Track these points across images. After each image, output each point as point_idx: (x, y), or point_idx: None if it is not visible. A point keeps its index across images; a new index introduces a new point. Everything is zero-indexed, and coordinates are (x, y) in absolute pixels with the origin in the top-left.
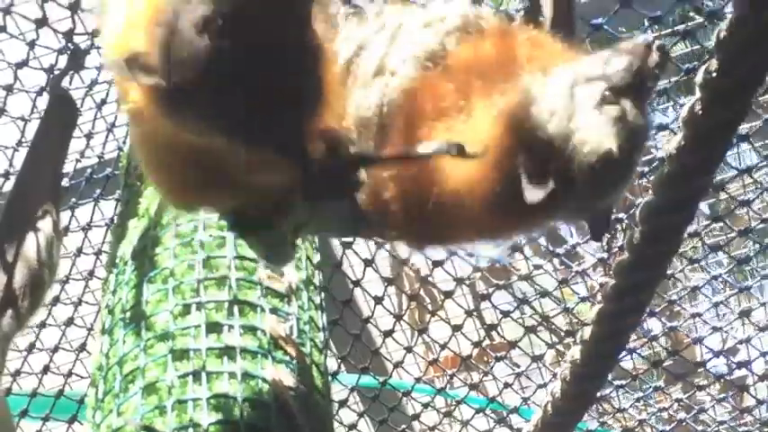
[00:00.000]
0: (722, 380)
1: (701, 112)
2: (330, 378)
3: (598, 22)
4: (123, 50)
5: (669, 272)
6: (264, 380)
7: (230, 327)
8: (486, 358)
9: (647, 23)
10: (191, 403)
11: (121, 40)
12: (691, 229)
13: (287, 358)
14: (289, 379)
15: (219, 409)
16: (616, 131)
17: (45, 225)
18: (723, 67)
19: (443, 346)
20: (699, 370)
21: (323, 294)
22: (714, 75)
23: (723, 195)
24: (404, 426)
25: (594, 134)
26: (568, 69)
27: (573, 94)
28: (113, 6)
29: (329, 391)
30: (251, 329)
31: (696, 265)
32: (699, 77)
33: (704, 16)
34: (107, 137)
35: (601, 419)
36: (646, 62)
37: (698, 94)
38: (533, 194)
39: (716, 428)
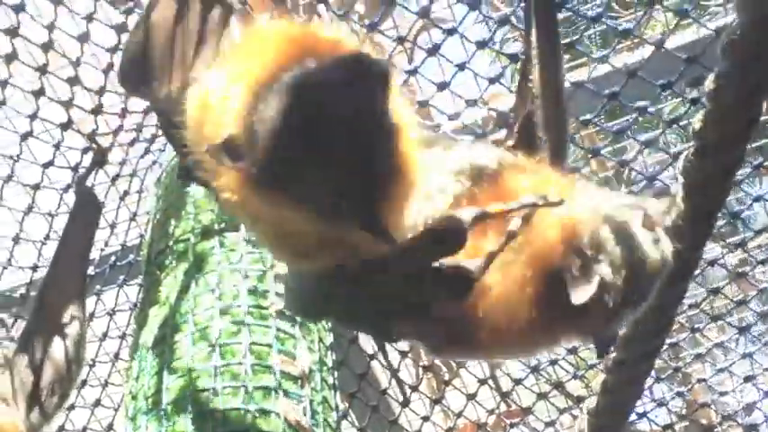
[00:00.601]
0: None
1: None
2: None
3: (587, 118)
4: (214, 136)
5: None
6: None
7: (246, 411)
8: (502, 424)
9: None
10: None
11: (211, 125)
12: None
13: None
14: None
15: None
16: (651, 249)
17: (72, 327)
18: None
19: (459, 414)
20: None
21: (336, 373)
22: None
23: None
24: None
25: (638, 247)
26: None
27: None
28: (194, 93)
29: None
30: (266, 413)
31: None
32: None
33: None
34: (129, 225)
35: None
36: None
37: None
38: (579, 296)
39: None
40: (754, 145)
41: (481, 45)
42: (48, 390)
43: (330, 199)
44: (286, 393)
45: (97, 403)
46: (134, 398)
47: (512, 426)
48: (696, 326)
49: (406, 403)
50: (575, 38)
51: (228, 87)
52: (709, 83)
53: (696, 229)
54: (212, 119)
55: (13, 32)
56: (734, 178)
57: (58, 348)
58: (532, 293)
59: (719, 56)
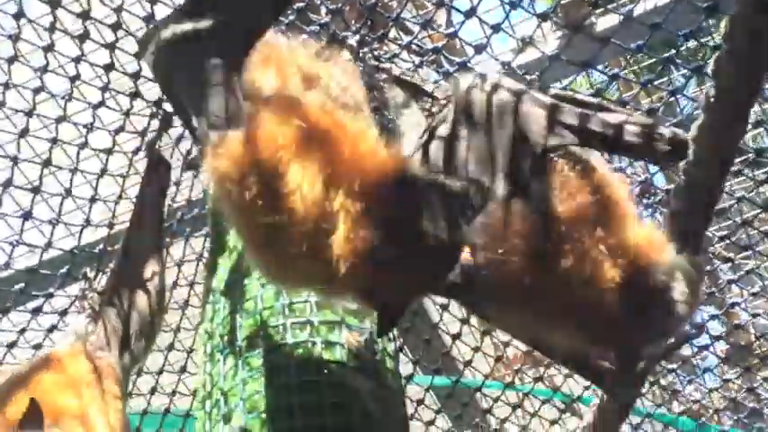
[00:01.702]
0: None
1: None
2: (406, 381)
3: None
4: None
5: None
6: (346, 385)
7: (313, 343)
8: None
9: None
10: (284, 411)
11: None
12: None
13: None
14: (367, 383)
15: (309, 413)
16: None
17: (153, 282)
18: None
19: (507, 344)
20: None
21: None
22: None
23: None
24: (477, 419)
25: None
26: None
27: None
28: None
29: (402, 391)
30: (330, 344)
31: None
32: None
33: None
34: (193, 181)
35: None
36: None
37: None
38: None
39: None
40: None
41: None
42: (135, 336)
43: None
44: (348, 326)
45: (170, 347)
46: (210, 337)
47: None
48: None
49: (455, 336)
50: None
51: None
52: None
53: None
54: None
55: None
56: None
57: (141, 299)
58: (606, 290)
59: None
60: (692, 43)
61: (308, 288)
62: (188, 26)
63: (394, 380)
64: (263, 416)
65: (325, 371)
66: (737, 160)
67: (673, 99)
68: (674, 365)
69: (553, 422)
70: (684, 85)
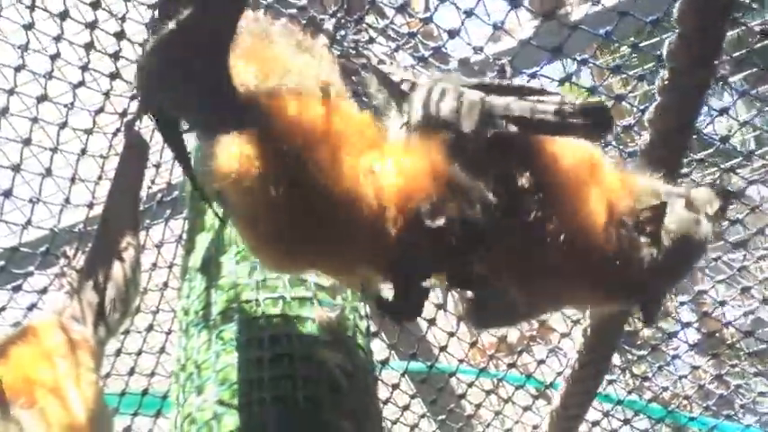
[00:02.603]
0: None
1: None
2: (382, 365)
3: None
4: None
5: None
6: (316, 359)
7: (285, 317)
8: (526, 342)
9: None
10: (255, 383)
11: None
12: None
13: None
14: (337, 357)
15: (278, 387)
16: (693, 225)
17: (128, 253)
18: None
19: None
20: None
21: None
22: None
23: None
24: (452, 405)
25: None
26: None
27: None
28: None
29: (373, 368)
30: (302, 319)
31: None
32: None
33: None
34: (173, 164)
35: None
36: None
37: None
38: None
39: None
40: None
41: None
42: (110, 308)
43: None
44: (320, 302)
45: (150, 328)
46: (186, 313)
47: (531, 339)
48: None
49: (431, 321)
50: None
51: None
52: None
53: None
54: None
55: None
56: None
57: (117, 272)
58: (591, 243)
59: None
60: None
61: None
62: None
63: (365, 356)
64: (235, 387)
65: (296, 344)
66: (706, 153)
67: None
68: (645, 352)
69: (526, 408)
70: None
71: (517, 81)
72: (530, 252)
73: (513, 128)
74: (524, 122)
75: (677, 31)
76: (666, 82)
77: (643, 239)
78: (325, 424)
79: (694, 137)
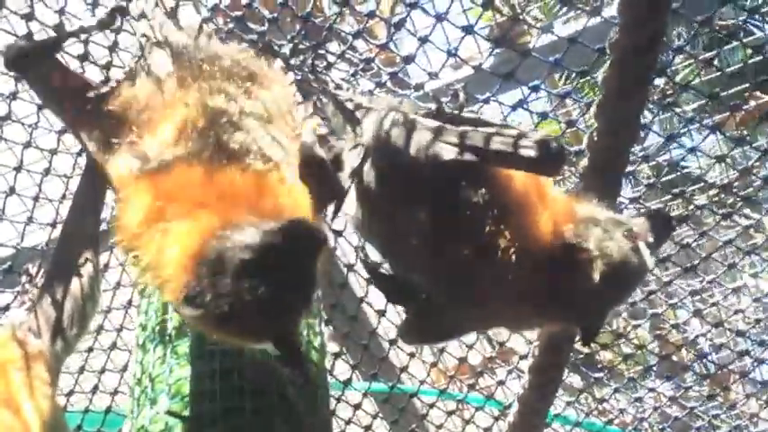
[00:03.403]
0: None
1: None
2: (344, 386)
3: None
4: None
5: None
6: (267, 372)
7: None
8: (489, 365)
9: None
10: (207, 394)
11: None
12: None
13: None
14: (286, 370)
15: (229, 396)
16: (629, 254)
17: (87, 268)
18: None
19: (442, 350)
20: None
21: (321, 305)
22: None
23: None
24: (415, 425)
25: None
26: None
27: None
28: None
29: (326, 384)
30: None
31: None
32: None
33: None
34: None
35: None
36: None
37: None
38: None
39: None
40: None
41: None
42: (68, 322)
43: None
44: None
45: (113, 346)
46: (144, 329)
47: (489, 360)
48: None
49: (393, 341)
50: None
51: (185, 229)
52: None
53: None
54: (168, 254)
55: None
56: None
57: (75, 287)
58: (524, 276)
59: None
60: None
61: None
62: None
63: (317, 371)
64: (186, 399)
65: (248, 358)
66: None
67: None
68: (602, 375)
69: (487, 429)
70: None
71: (472, 107)
72: (472, 269)
73: (468, 156)
74: (479, 153)
75: (617, 22)
76: (606, 76)
77: (581, 264)
78: None
79: (649, 163)
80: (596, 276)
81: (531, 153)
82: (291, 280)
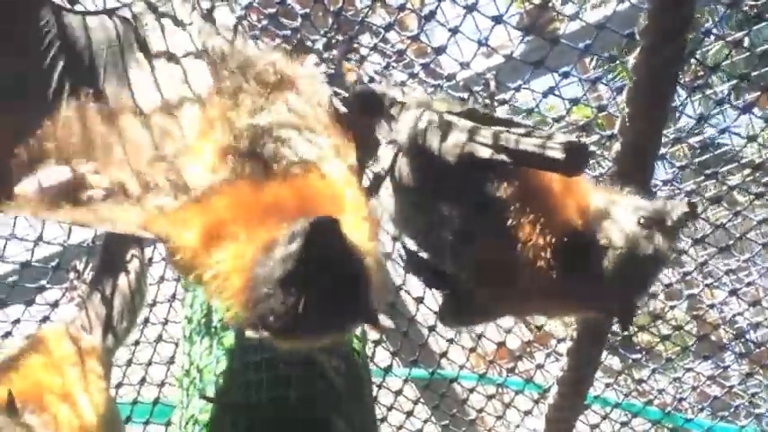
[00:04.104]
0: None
1: None
2: (385, 372)
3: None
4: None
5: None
6: (311, 361)
7: None
8: (528, 349)
9: None
10: (254, 384)
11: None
12: None
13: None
14: (330, 359)
15: (276, 385)
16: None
17: (133, 264)
18: None
19: (480, 336)
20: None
21: None
22: None
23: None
24: (455, 410)
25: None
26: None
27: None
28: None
29: (368, 370)
30: None
31: None
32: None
33: None
34: None
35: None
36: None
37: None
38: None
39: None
40: None
41: None
42: (118, 317)
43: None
44: None
45: (159, 339)
46: (189, 321)
47: (527, 344)
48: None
49: (432, 328)
50: None
51: (233, 253)
52: None
53: None
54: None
55: None
56: None
57: (123, 284)
58: (550, 265)
59: None
60: None
61: None
62: None
63: (360, 359)
64: (235, 389)
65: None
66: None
67: None
68: (640, 356)
69: (527, 412)
70: None
71: (504, 95)
72: (503, 259)
73: (500, 157)
74: (510, 153)
75: (646, 8)
76: (636, 62)
77: (597, 252)
78: (318, 422)
79: (682, 145)
80: (608, 265)
81: (558, 155)
82: (334, 275)
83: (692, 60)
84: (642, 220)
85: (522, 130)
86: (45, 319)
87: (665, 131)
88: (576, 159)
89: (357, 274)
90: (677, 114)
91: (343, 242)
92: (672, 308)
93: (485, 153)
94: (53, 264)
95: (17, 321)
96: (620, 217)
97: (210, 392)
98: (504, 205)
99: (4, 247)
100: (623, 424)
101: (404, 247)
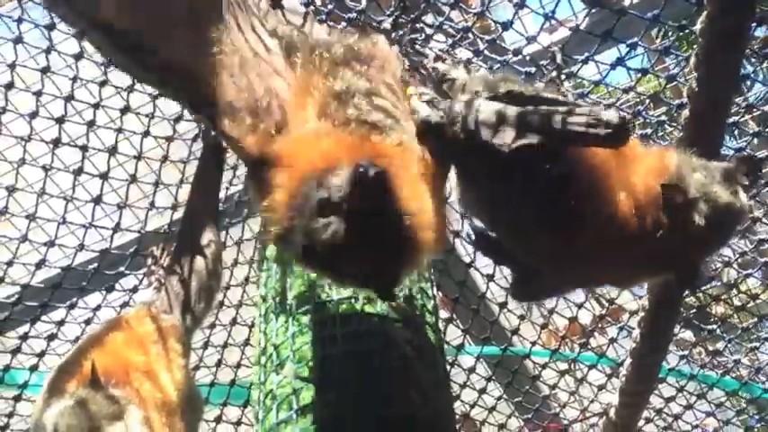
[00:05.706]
0: None
1: None
2: (457, 350)
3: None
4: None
5: None
6: (384, 334)
7: (355, 299)
8: (600, 324)
9: None
10: (329, 359)
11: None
12: None
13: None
14: (405, 333)
15: (350, 359)
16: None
17: (210, 248)
18: None
19: (552, 311)
20: None
21: (433, 274)
22: None
23: None
24: (528, 387)
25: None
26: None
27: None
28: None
29: (441, 344)
30: (371, 300)
31: None
32: None
33: None
34: None
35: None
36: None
37: None
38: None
39: None
40: None
41: None
42: (196, 298)
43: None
44: None
45: (233, 322)
46: (264, 300)
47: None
48: None
49: (503, 305)
50: None
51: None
52: None
53: None
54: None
55: None
56: None
57: (200, 266)
58: (626, 217)
59: None
60: None
61: None
62: None
63: (434, 333)
64: (311, 364)
65: (366, 322)
66: None
67: None
68: (715, 327)
69: (601, 387)
70: None
71: (571, 68)
72: (570, 230)
73: (552, 140)
74: (555, 134)
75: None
76: (703, 26)
77: (681, 210)
78: (393, 395)
79: (753, 114)
80: (700, 220)
81: (602, 131)
82: (371, 221)
83: (762, 28)
84: (727, 176)
85: (564, 108)
86: (124, 305)
87: (736, 100)
88: (620, 133)
89: (389, 234)
90: (748, 82)
91: (387, 195)
92: (746, 276)
93: (534, 140)
94: (131, 251)
95: (98, 308)
96: (708, 173)
97: (288, 368)
98: (565, 179)
99: (84, 236)
100: (699, 396)
101: (471, 225)
